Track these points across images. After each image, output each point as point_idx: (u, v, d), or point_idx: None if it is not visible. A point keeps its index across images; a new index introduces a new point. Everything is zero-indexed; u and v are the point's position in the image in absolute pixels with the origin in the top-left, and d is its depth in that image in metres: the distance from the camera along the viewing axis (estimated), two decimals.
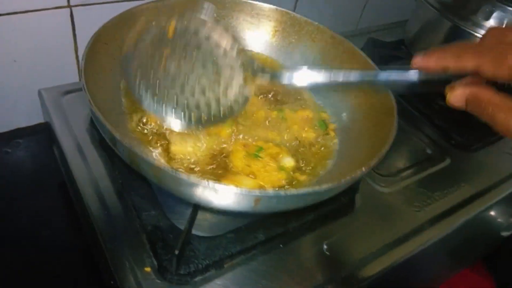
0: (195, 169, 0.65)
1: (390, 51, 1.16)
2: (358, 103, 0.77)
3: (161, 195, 0.67)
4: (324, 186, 0.52)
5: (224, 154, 0.67)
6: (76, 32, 0.81)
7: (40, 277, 0.70)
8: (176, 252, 0.57)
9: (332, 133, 0.77)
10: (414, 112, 1.01)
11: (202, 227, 0.65)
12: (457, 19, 0.98)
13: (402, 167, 0.86)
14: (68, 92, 0.83)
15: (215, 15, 0.61)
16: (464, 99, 0.47)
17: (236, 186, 0.50)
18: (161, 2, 0.77)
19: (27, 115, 0.86)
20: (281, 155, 0.67)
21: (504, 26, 0.95)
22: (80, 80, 0.76)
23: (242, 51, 0.61)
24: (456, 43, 0.47)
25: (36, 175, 0.82)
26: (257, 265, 0.64)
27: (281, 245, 0.67)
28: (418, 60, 0.49)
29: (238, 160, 0.65)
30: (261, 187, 0.63)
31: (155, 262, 0.60)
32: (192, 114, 0.59)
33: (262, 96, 0.79)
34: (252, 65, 0.60)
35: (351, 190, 0.75)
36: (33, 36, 0.78)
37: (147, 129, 0.68)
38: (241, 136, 0.70)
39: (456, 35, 0.98)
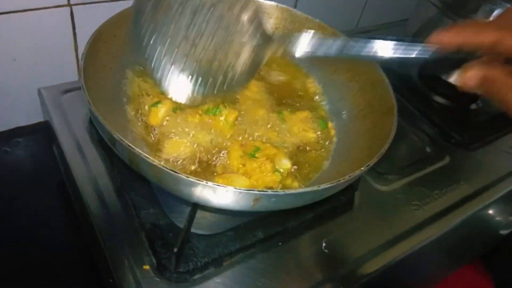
0: (188, 167, 0.65)
1: None
2: (358, 101, 0.77)
3: (160, 193, 0.67)
4: (323, 186, 0.52)
5: (222, 152, 0.67)
6: (76, 30, 0.81)
7: (39, 276, 0.70)
8: (175, 250, 0.57)
9: (332, 131, 0.77)
10: (413, 110, 1.01)
11: (201, 225, 0.65)
12: (458, 18, 0.98)
13: (401, 165, 0.87)
14: (67, 91, 0.83)
15: None
16: (478, 80, 0.46)
17: (230, 185, 0.50)
18: None
19: (26, 114, 0.86)
20: (278, 157, 0.67)
21: None
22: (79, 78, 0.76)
23: (256, 17, 0.60)
24: (473, 21, 0.46)
25: (36, 174, 0.82)
26: (256, 263, 0.64)
27: (280, 244, 0.67)
28: (435, 36, 0.48)
29: (234, 159, 0.65)
30: (254, 187, 0.63)
31: (154, 260, 0.60)
32: (203, 81, 0.59)
33: (265, 94, 0.79)
34: (265, 33, 0.60)
35: (350, 188, 0.75)
36: (33, 35, 0.78)
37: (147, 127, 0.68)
38: (240, 138, 0.70)
39: None
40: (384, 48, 0.54)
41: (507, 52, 0.43)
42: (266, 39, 0.62)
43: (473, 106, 1.05)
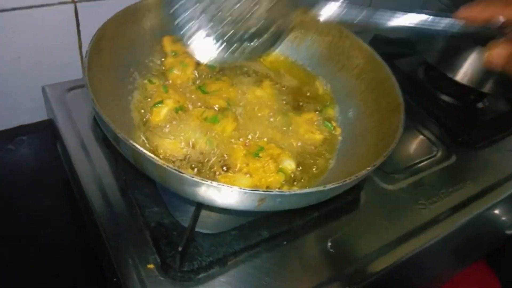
0: (186, 167, 0.65)
1: (397, 47, 1.15)
2: (365, 99, 0.76)
3: (164, 192, 0.67)
4: (329, 186, 0.52)
5: (223, 154, 0.67)
6: (80, 28, 0.81)
7: (39, 276, 0.70)
8: (180, 249, 0.57)
9: (338, 130, 0.77)
10: (419, 109, 1.00)
11: (206, 224, 0.65)
12: None
13: (407, 164, 0.86)
14: (72, 88, 0.83)
15: None
16: (504, 57, 0.45)
17: (233, 185, 0.49)
18: None
19: (30, 112, 0.86)
20: (282, 157, 0.66)
21: None
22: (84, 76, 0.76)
23: None
24: None
25: (40, 172, 0.82)
26: (261, 262, 0.64)
27: (285, 243, 0.67)
28: (463, 10, 0.47)
29: (238, 159, 0.65)
30: (257, 187, 0.63)
31: (159, 259, 0.60)
32: (228, 44, 0.61)
33: (276, 94, 0.79)
34: None
35: (356, 187, 0.75)
36: (37, 32, 0.77)
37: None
38: (243, 138, 0.70)
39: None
40: (411, 20, 0.54)
41: None
42: (293, 2, 0.62)
43: (480, 105, 1.04)
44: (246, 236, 0.64)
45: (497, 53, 0.46)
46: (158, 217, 0.64)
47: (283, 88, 0.81)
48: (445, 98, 1.04)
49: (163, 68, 0.77)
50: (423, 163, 0.87)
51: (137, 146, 0.50)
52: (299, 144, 0.72)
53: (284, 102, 0.78)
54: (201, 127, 0.68)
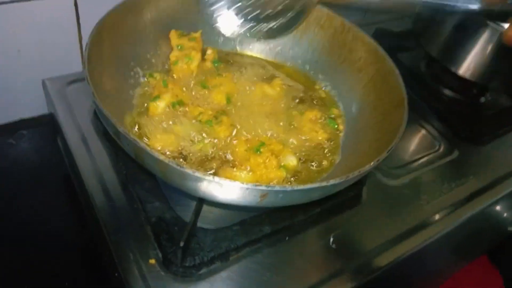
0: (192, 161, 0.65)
1: (399, 41, 1.14)
2: (368, 93, 0.76)
3: (166, 187, 0.67)
4: (331, 181, 0.51)
5: (225, 148, 0.67)
6: (81, 21, 0.80)
7: (39, 276, 0.69)
8: (181, 244, 0.57)
9: (341, 127, 0.76)
10: (422, 104, 1.00)
11: (208, 219, 0.65)
12: None
13: (410, 159, 0.85)
14: (72, 82, 0.82)
15: None
16: None
17: (233, 180, 0.49)
18: None
19: (31, 106, 0.86)
20: (283, 153, 0.66)
21: None
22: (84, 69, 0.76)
23: None
24: None
25: (40, 167, 0.81)
26: (263, 258, 0.63)
27: (287, 238, 0.66)
28: None
29: (239, 154, 0.65)
30: (258, 183, 0.62)
31: (160, 254, 0.60)
32: (250, 22, 0.68)
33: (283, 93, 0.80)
34: None
35: (358, 183, 0.74)
36: (37, 25, 0.77)
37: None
38: (244, 133, 0.70)
39: (467, 24, 0.96)
40: None
41: None
42: None
43: (482, 100, 1.03)
44: (248, 231, 0.64)
45: None
46: (159, 212, 0.63)
47: (290, 89, 0.81)
48: (447, 92, 1.03)
49: (165, 62, 0.77)
50: (425, 158, 0.86)
51: (138, 141, 0.49)
52: (302, 140, 0.71)
53: (291, 100, 0.78)
54: (196, 127, 0.68)
